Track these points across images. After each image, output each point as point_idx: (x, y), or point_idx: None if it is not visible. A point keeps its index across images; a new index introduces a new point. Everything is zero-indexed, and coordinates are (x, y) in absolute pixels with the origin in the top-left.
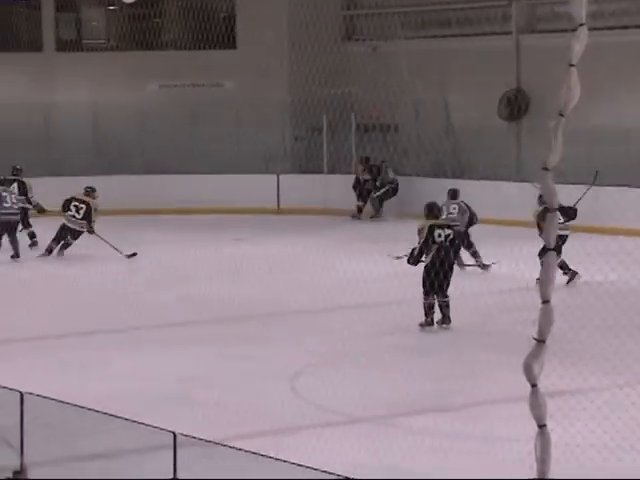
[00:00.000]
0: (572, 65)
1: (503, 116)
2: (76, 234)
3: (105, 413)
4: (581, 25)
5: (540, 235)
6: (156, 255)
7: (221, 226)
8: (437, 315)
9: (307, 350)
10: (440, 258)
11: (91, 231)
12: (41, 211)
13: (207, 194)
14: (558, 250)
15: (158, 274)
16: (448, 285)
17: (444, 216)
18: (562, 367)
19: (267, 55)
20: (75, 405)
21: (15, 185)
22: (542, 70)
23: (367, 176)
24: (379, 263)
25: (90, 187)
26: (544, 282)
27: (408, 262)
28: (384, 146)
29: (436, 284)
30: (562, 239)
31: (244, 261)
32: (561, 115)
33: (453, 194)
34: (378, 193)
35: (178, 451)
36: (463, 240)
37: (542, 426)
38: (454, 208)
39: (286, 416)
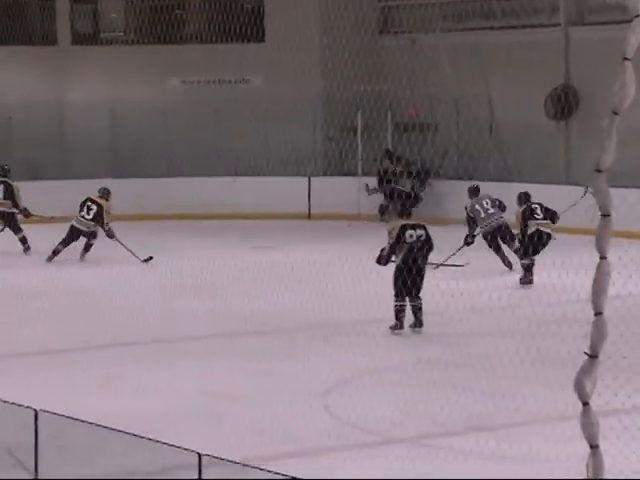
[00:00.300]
0: (627, 59)
1: (550, 114)
2: (86, 235)
3: (123, 432)
4: (637, 16)
5: (518, 235)
6: (176, 263)
7: (247, 232)
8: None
9: (339, 365)
10: (410, 259)
11: (110, 235)
12: (27, 215)
13: (232, 198)
14: (536, 250)
15: (178, 283)
16: (420, 287)
17: (483, 215)
18: (616, 384)
19: (297, 49)
20: (92, 423)
21: (1, 187)
22: (593, 65)
23: (399, 168)
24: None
25: (105, 189)
26: (597, 292)
27: (377, 262)
28: (424, 146)
29: (407, 286)
30: (544, 238)
31: (271, 270)
32: (615, 113)
33: (476, 190)
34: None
35: (203, 472)
36: (506, 234)
37: (594, 447)
38: (487, 202)
39: (317, 436)
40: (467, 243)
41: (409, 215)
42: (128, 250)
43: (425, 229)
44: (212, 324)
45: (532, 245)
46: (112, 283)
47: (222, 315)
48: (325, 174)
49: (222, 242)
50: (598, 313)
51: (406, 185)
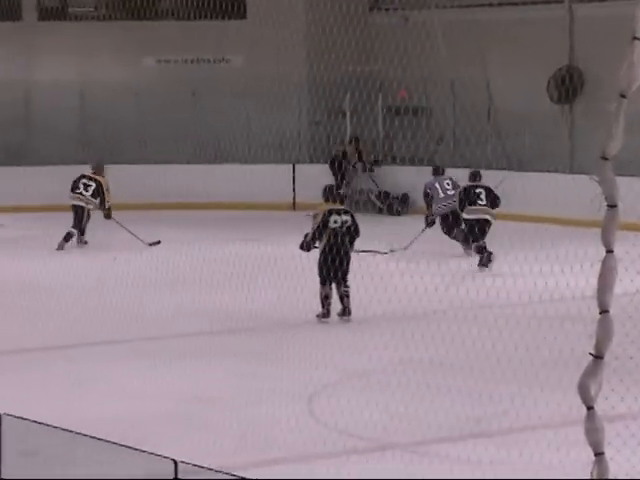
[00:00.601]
0: (636, 38)
1: (554, 98)
2: (87, 213)
3: (94, 437)
4: None
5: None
6: (154, 256)
7: (228, 224)
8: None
9: (326, 367)
10: (335, 245)
11: (108, 215)
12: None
13: (212, 187)
14: (482, 234)
15: (152, 278)
16: (346, 274)
17: (441, 195)
18: (623, 387)
19: (281, 26)
20: (61, 428)
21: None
22: (599, 44)
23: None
24: (410, 267)
25: (99, 164)
26: (602, 289)
27: (300, 248)
28: (417, 131)
29: (332, 273)
30: (486, 224)
31: (254, 264)
32: (622, 96)
33: (437, 169)
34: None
35: None
36: (456, 220)
37: (599, 454)
38: (448, 184)
39: (304, 442)
40: (429, 224)
41: (335, 200)
42: (130, 233)
43: (351, 215)
44: (190, 322)
45: (472, 235)
46: (81, 277)
47: (200, 313)
48: (311, 161)
49: (201, 234)
50: (604, 311)
51: (360, 178)
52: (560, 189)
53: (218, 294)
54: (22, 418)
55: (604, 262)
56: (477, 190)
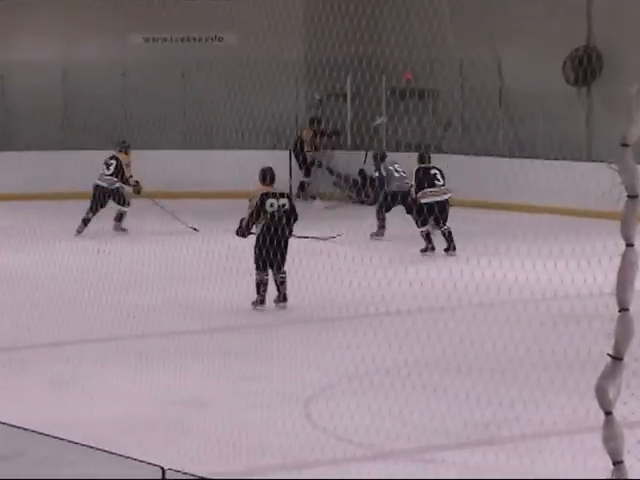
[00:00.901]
0: None
1: (570, 80)
2: (112, 195)
3: (75, 442)
4: None
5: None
6: (140, 249)
7: (220, 214)
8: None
9: (324, 368)
10: (272, 229)
11: (137, 191)
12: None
13: (203, 175)
14: (444, 215)
15: (143, 272)
16: (284, 259)
17: (397, 175)
18: None
19: (278, 2)
20: (40, 433)
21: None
22: (619, 23)
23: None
24: (413, 261)
25: (124, 141)
26: (622, 285)
27: (236, 234)
28: (424, 116)
29: (269, 259)
30: (447, 204)
31: (248, 258)
32: None
33: (382, 155)
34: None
35: None
36: (411, 204)
37: (618, 463)
38: (399, 167)
39: (300, 449)
40: (387, 205)
41: (271, 183)
42: (169, 212)
43: (289, 198)
44: (179, 320)
45: (432, 215)
46: (62, 271)
47: (190, 310)
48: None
49: (195, 225)
50: (623, 309)
51: (329, 160)
52: (576, 178)
53: (210, 290)
54: (1, 422)
55: (624, 256)
56: (432, 171)
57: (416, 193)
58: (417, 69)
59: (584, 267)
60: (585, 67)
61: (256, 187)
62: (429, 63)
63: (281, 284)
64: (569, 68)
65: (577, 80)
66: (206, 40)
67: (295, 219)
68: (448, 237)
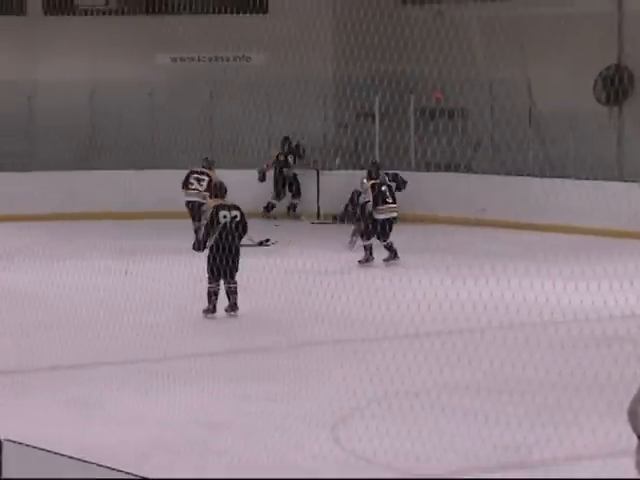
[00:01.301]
0: None
1: (601, 99)
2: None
3: (94, 463)
4: None
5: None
6: (162, 267)
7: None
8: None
9: (351, 390)
10: (224, 239)
11: None
12: None
13: (229, 193)
14: (390, 231)
15: (161, 290)
16: (235, 269)
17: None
18: None
19: (306, 21)
20: (64, 455)
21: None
22: None
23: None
24: (444, 283)
25: (208, 158)
26: None
27: (193, 248)
28: (453, 136)
29: (221, 268)
30: (394, 221)
31: (271, 275)
32: None
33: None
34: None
35: None
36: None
37: None
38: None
39: (328, 473)
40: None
41: (223, 196)
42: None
43: (239, 210)
44: (201, 340)
45: (381, 231)
46: (73, 292)
47: (206, 329)
48: (338, 167)
49: None
50: None
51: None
52: (608, 198)
53: (232, 310)
54: (23, 444)
55: None
56: (382, 188)
57: (373, 208)
58: (447, 89)
59: (616, 288)
60: (616, 86)
61: (210, 201)
62: (459, 83)
63: (232, 293)
64: (600, 87)
65: (608, 99)
66: (234, 59)
67: (245, 230)
68: (390, 248)
